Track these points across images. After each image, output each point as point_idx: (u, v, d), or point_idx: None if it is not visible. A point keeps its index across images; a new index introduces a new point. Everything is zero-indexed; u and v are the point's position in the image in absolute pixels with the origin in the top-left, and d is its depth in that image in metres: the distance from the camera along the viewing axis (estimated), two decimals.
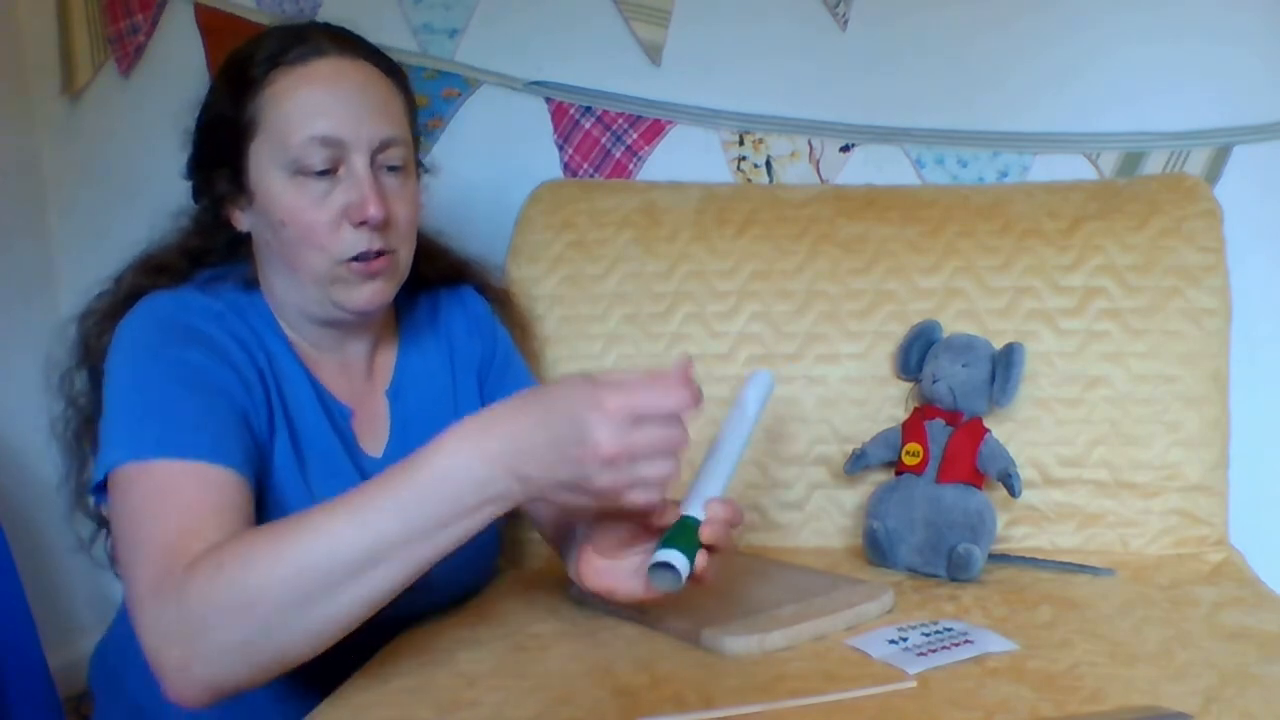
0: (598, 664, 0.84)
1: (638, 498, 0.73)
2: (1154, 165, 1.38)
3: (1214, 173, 1.37)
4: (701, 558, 0.79)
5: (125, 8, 1.58)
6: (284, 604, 0.71)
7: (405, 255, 0.96)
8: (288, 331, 0.97)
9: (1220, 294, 1.22)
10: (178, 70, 1.58)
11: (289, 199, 0.89)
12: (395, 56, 0.99)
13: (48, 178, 1.66)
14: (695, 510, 0.80)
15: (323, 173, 0.89)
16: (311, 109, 0.89)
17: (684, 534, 0.78)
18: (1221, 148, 1.36)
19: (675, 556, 0.77)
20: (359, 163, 0.90)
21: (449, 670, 0.84)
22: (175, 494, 0.78)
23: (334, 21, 0.96)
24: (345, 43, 0.93)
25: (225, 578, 0.71)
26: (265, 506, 0.88)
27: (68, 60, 1.61)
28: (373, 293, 0.93)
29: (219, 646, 0.72)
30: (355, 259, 0.91)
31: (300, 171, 0.89)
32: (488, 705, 0.77)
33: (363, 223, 0.89)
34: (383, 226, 0.91)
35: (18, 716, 1.18)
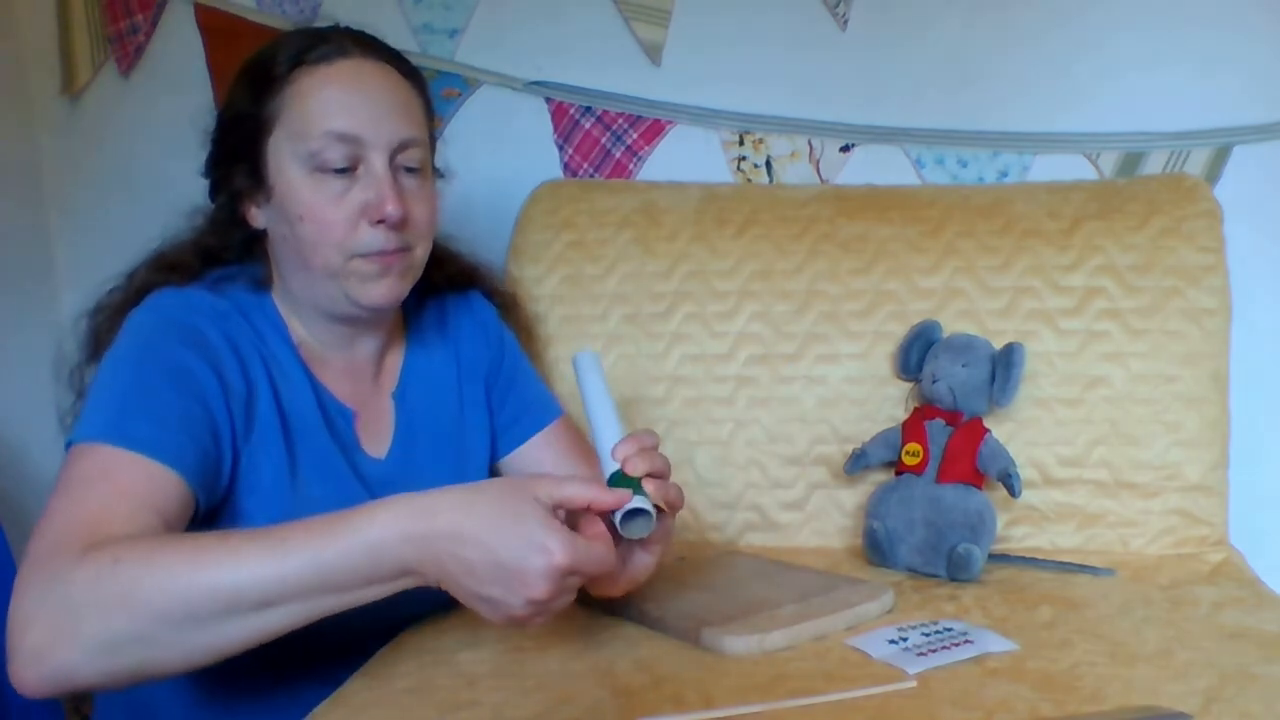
0: (598, 664, 0.84)
1: (536, 623, 0.75)
2: (1154, 165, 1.39)
3: (1214, 173, 1.37)
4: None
5: (125, 8, 1.58)
6: (169, 616, 0.69)
7: (421, 253, 0.96)
8: (295, 332, 0.97)
9: (1220, 294, 1.22)
10: (178, 70, 1.58)
11: (306, 195, 0.90)
12: None
13: (47, 178, 1.66)
14: (613, 464, 0.84)
15: (341, 171, 0.90)
16: (332, 106, 0.90)
17: (627, 483, 0.81)
18: (1221, 148, 1.37)
19: (638, 500, 0.79)
20: (378, 162, 0.90)
21: (449, 670, 0.84)
22: (108, 478, 0.77)
23: (333, 21, 0.97)
24: (368, 45, 0.94)
25: (117, 570, 0.69)
26: (249, 508, 0.88)
27: (68, 60, 1.61)
28: (387, 289, 0.93)
29: (85, 639, 0.68)
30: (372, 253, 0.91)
31: (319, 168, 0.89)
32: (488, 705, 0.77)
33: (380, 221, 0.90)
34: (400, 225, 0.91)
35: (18, 716, 1.18)
